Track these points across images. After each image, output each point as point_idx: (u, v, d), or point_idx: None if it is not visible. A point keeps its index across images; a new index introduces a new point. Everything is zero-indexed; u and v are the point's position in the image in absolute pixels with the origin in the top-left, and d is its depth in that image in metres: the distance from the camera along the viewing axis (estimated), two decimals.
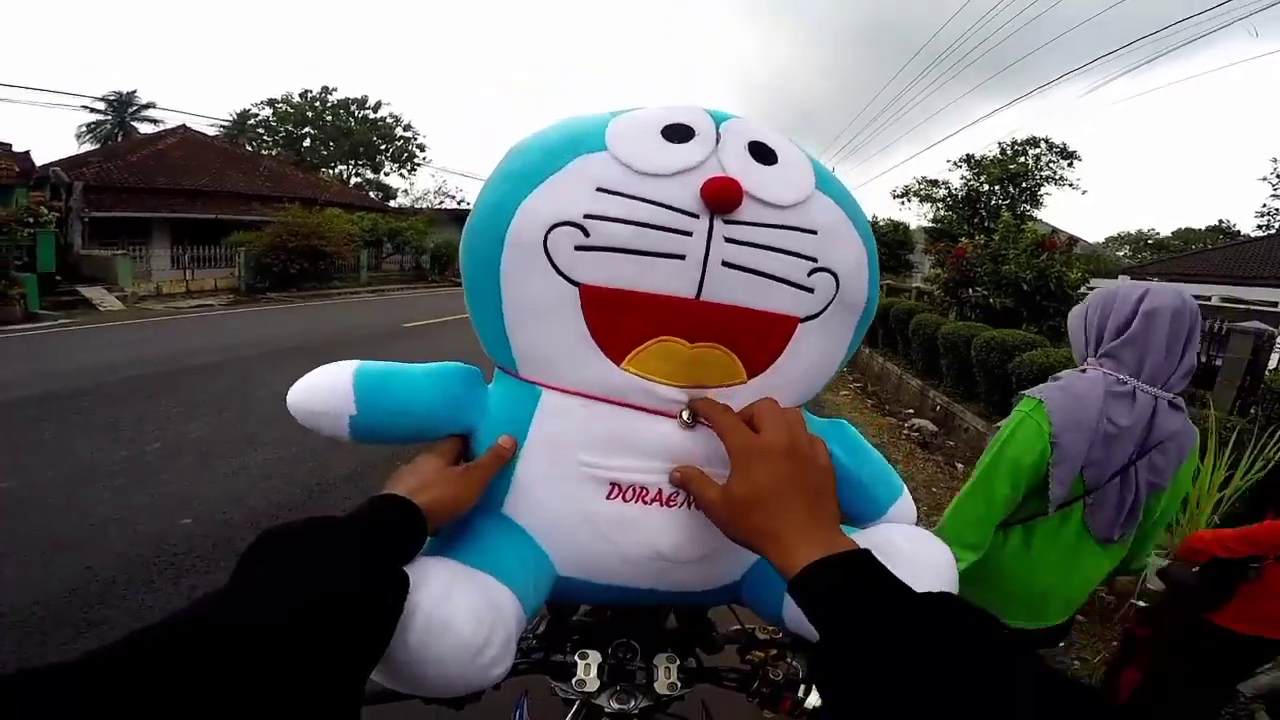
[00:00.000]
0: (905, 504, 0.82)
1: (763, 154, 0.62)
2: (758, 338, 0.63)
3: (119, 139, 27.68)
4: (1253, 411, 4.18)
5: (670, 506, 0.65)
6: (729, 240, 0.58)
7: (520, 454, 0.67)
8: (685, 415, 0.63)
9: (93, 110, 29.09)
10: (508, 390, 0.69)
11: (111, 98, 29.70)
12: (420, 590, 0.52)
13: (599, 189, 0.58)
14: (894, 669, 0.39)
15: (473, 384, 0.72)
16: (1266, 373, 4.67)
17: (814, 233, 0.62)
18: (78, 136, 29.97)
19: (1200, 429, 3.00)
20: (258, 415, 5.25)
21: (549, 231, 0.59)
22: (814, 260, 0.62)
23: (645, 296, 0.59)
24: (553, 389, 0.65)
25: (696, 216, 0.58)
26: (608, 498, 0.64)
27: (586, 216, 0.58)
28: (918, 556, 0.67)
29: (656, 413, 0.64)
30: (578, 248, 0.58)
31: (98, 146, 26.45)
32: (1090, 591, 1.65)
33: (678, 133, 0.61)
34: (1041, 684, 0.36)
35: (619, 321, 0.61)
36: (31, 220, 12.36)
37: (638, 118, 0.63)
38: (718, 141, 0.61)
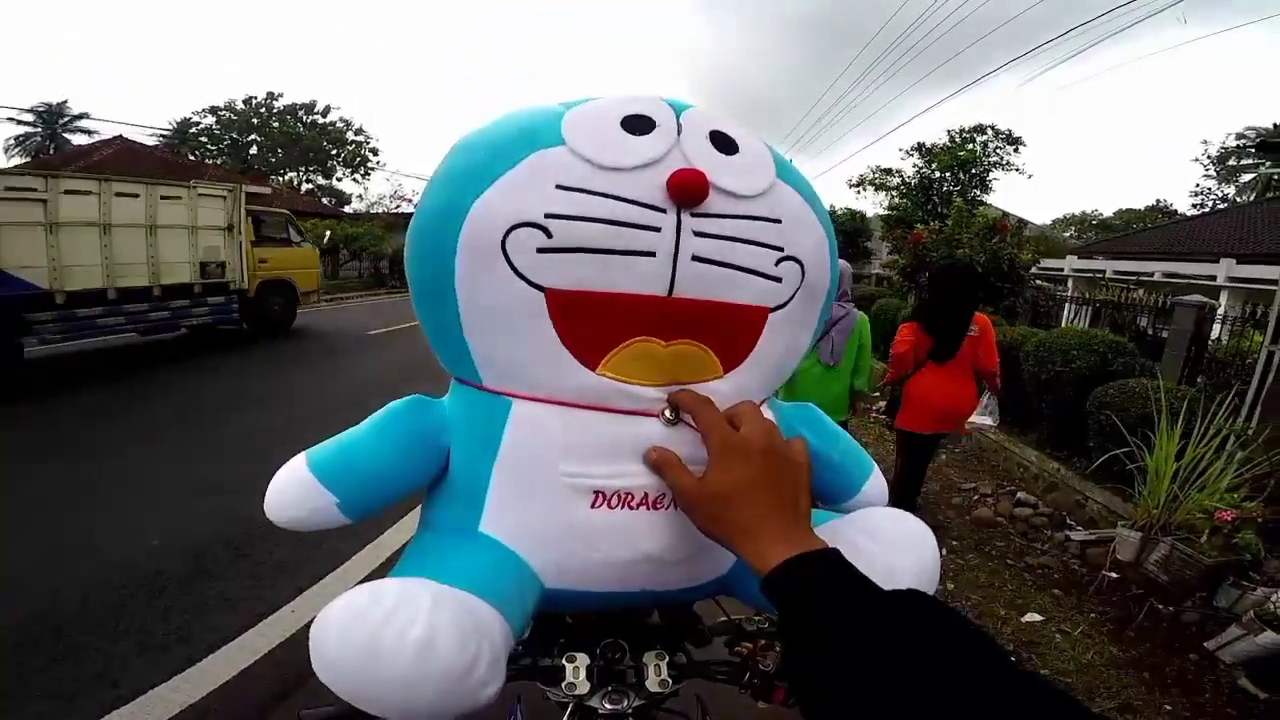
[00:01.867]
0: (877, 481, 0.83)
1: (724, 144, 0.60)
2: (732, 331, 0.62)
3: (51, 151, 26.35)
4: (1199, 380, 4.42)
5: (657, 510, 0.63)
6: (698, 234, 0.57)
7: (493, 470, 0.64)
8: (667, 412, 0.62)
9: (20, 123, 27.76)
10: (471, 403, 0.66)
11: (40, 109, 28.30)
12: (401, 613, 0.49)
13: (559, 186, 0.55)
14: (863, 666, 0.39)
15: (424, 411, 0.69)
16: (1210, 342, 4.93)
17: (779, 221, 0.61)
18: (5, 150, 28.57)
19: (1151, 400, 3.19)
20: (221, 432, 5.08)
21: (507, 234, 0.55)
22: (780, 250, 0.61)
23: (617, 297, 0.57)
24: (525, 399, 0.62)
25: (664, 211, 0.56)
26: (592, 506, 0.62)
27: (547, 216, 0.55)
28: (899, 535, 0.68)
29: (637, 414, 0.62)
30: (540, 250, 0.55)
31: (27, 160, 25.15)
32: (839, 400, 3.02)
33: (638, 124, 0.58)
34: (1010, 681, 0.37)
35: (591, 325, 0.58)
36: None
37: (595, 109, 0.60)
38: (679, 132, 0.59)
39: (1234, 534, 2.80)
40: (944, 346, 3.00)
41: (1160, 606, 2.81)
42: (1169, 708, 2.27)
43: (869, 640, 0.40)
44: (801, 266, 0.63)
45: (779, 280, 0.62)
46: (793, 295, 0.64)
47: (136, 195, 7.60)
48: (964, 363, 3.04)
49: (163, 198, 7.87)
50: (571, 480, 0.62)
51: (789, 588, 0.47)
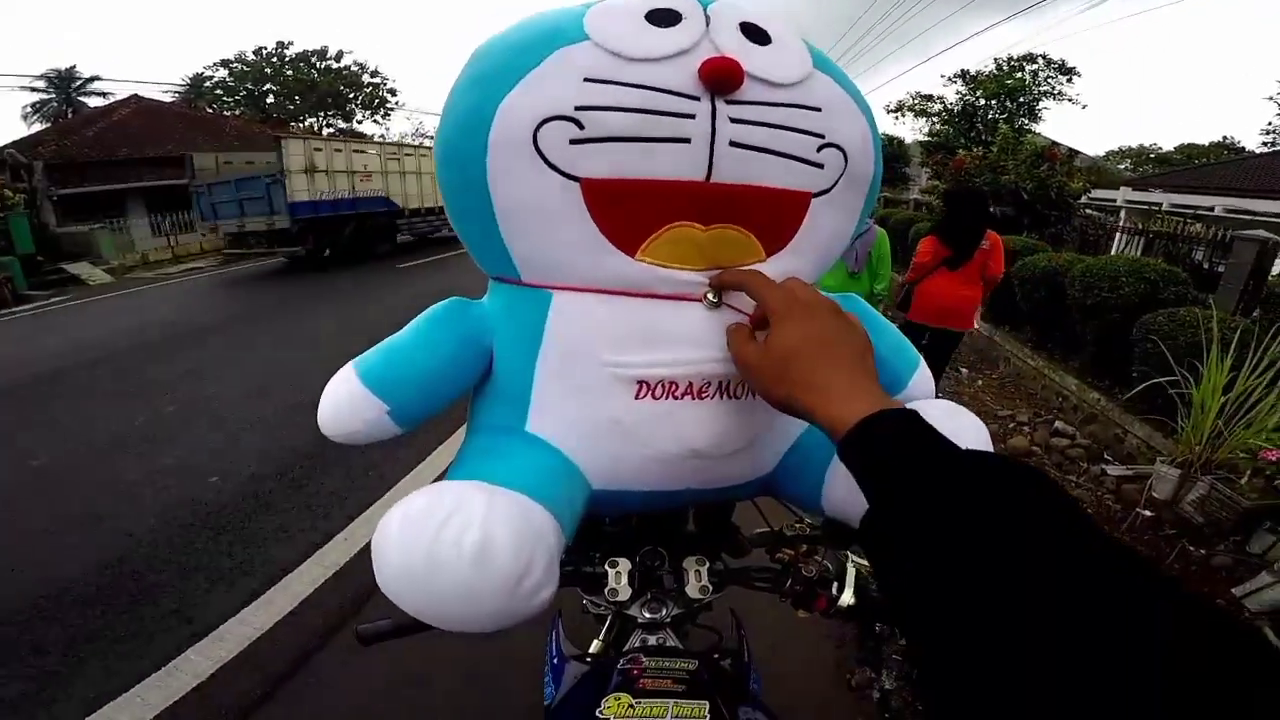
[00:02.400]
0: (924, 375, 0.82)
1: (756, 34, 0.59)
2: (773, 215, 0.61)
3: (69, 115, 26.50)
4: (1255, 314, 4.21)
5: (703, 399, 0.63)
6: (734, 120, 0.56)
7: (537, 366, 0.64)
8: (710, 295, 0.61)
9: (35, 90, 27.98)
10: (511, 299, 0.66)
11: (52, 75, 28.40)
12: (457, 519, 0.49)
13: (587, 79, 0.55)
14: (948, 525, 0.37)
15: (465, 312, 0.69)
16: (1270, 277, 4.67)
17: (818, 110, 0.60)
18: (24, 117, 28.84)
19: (1202, 330, 3.04)
20: (265, 367, 5.30)
21: (538, 129, 0.55)
22: (821, 136, 0.60)
23: (653, 183, 0.57)
24: (565, 290, 0.62)
25: (697, 99, 0.55)
26: (636, 397, 0.62)
27: (578, 108, 0.54)
28: (955, 429, 0.66)
29: (679, 299, 0.61)
30: (573, 140, 0.55)
31: (49, 125, 25.39)
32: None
33: (663, 17, 0.57)
34: (1104, 547, 0.35)
35: (628, 212, 0.58)
36: None
37: (618, 3, 0.59)
38: (707, 24, 0.58)
39: (1277, 475, 2.68)
40: (960, 255, 3.44)
41: (1192, 549, 2.73)
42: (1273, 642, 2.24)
43: (955, 499, 0.38)
44: (844, 154, 0.62)
45: (820, 166, 0.61)
46: (836, 181, 0.63)
47: (410, 153, 14.17)
48: (973, 270, 3.46)
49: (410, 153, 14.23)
50: (615, 370, 0.61)
51: (869, 446, 0.45)
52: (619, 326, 0.61)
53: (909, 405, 0.72)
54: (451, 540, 0.48)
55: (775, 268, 0.62)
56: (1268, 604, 2.29)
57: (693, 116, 0.55)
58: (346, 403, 0.66)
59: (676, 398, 0.62)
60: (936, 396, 0.86)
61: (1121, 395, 3.92)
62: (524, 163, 0.56)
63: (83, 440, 4.01)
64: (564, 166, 0.56)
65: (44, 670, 2.11)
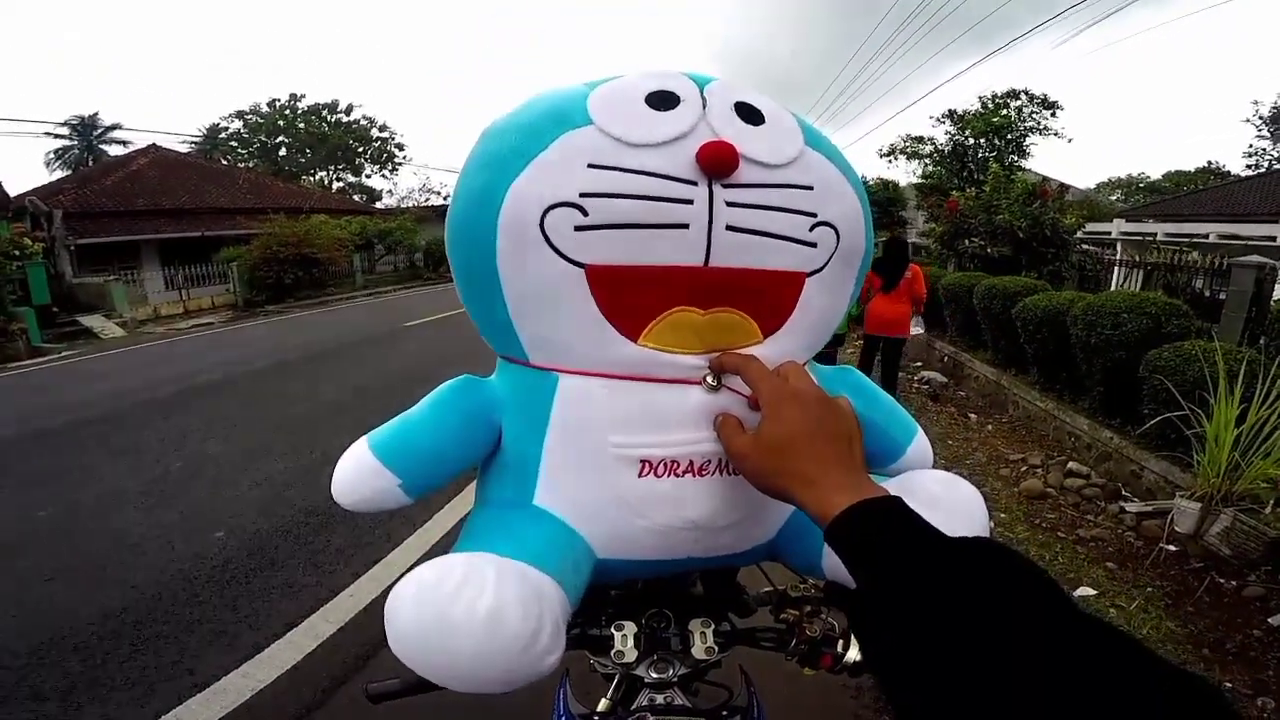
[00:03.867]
0: (922, 443, 0.83)
1: (749, 114, 0.61)
2: (769, 297, 0.63)
3: (89, 163, 27.42)
4: (1260, 342, 4.20)
5: (703, 476, 0.65)
6: (730, 204, 0.58)
7: (544, 444, 0.66)
8: (709, 378, 0.63)
9: (58, 136, 29.00)
10: (519, 380, 0.68)
11: (74, 122, 29.50)
12: (469, 586, 0.51)
13: (590, 165, 0.57)
14: (936, 615, 0.38)
15: (475, 391, 0.71)
16: (1272, 303, 4.68)
17: (810, 188, 0.62)
18: (47, 164, 30.02)
19: (1208, 363, 3.05)
20: (272, 426, 5.29)
21: (545, 214, 0.57)
22: (814, 215, 0.62)
23: (654, 270, 0.58)
24: (571, 373, 0.64)
25: (695, 184, 0.57)
26: (639, 476, 0.64)
27: (582, 195, 0.56)
28: (951, 500, 0.68)
29: (680, 382, 0.63)
30: (578, 228, 0.57)
31: (69, 173, 26.22)
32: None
33: (663, 99, 0.59)
34: (1086, 629, 0.35)
35: (630, 298, 0.60)
36: (18, 253, 12.21)
37: (619, 87, 0.61)
38: (704, 105, 0.60)
39: None
40: (889, 282, 5.02)
41: (1221, 580, 2.69)
42: (1229, 684, 2.19)
43: (935, 585, 0.40)
44: (836, 232, 0.64)
45: (814, 245, 0.63)
46: (828, 260, 0.64)
47: None
48: (903, 292, 5.01)
49: None
50: (619, 450, 0.63)
51: (857, 535, 0.47)
52: (623, 409, 0.63)
53: (909, 472, 0.75)
54: (465, 606, 0.50)
55: (771, 349, 0.64)
56: None
57: (691, 202, 0.57)
58: (359, 474, 0.69)
59: (678, 475, 0.64)
60: (921, 431, 0.87)
61: (1133, 432, 3.89)
62: (532, 247, 0.58)
63: (90, 493, 4.01)
64: (569, 253, 0.58)
65: (42, 715, 2.09)
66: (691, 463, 0.64)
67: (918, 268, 5.22)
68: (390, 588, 0.54)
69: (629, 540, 0.67)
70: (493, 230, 0.59)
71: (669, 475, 0.64)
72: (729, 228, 0.58)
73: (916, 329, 5.22)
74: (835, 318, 0.71)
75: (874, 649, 0.43)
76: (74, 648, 2.44)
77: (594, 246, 0.58)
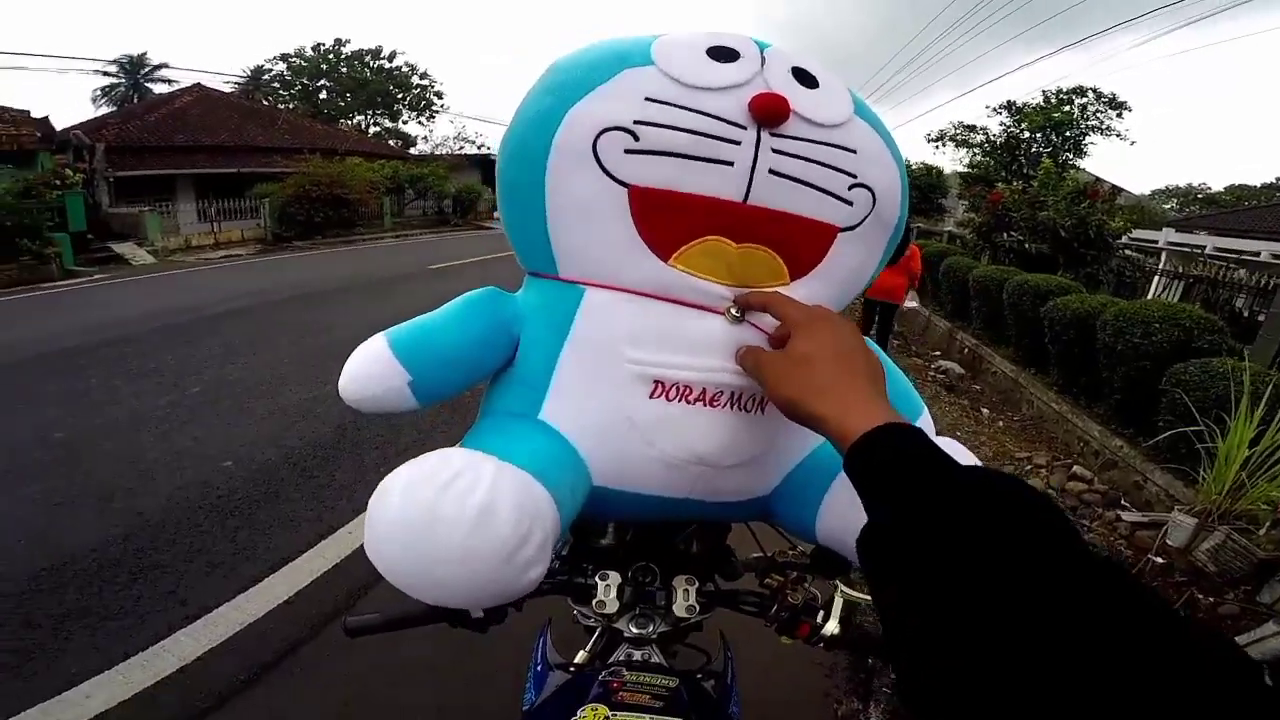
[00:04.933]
0: (926, 423, 0.83)
1: (805, 79, 0.63)
2: (801, 242, 0.65)
3: (135, 100, 27.70)
4: None
5: (714, 407, 0.65)
6: (776, 151, 0.60)
7: (560, 355, 0.66)
8: (733, 310, 0.64)
9: (106, 74, 29.32)
10: (544, 292, 0.69)
11: (123, 60, 29.77)
12: (464, 478, 0.51)
13: (648, 98, 0.59)
14: (951, 540, 0.37)
15: (499, 301, 0.71)
16: None
17: (854, 152, 0.64)
18: (93, 100, 30.34)
19: (1234, 382, 2.96)
20: (290, 357, 5.43)
21: (599, 136, 0.60)
22: (854, 176, 0.64)
23: (694, 197, 0.61)
24: (599, 286, 0.65)
25: (744, 128, 0.60)
26: (650, 396, 0.64)
27: (636, 122, 0.59)
28: None
29: (703, 308, 0.64)
30: (628, 150, 0.60)
31: (115, 109, 26.53)
32: None
33: (723, 53, 0.62)
34: (1098, 569, 0.35)
35: (667, 220, 0.62)
36: (59, 183, 12.63)
37: (684, 37, 0.64)
38: (763, 64, 0.62)
39: None
40: (893, 257, 5.24)
41: (1200, 596, 2.68)
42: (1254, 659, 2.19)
43: (959, 514, 0.39)
44: (874, 195, 0.66)
45: (850, 204, 0.65)
46: (863, 219, 0.66)
47: None
48: (901, 267, 5.40)
49: None
50: (635, 367, 0.64)
51: (878, 458, 0.45)
52: (644, 326, 0.64)
53: None
54: (455, 499, 0.49)
55: (798, 292, 0.65)
56: (1270, 653, 2.26)
57: (738, 143, 0.60)
58: (371, 367, 0.68)
59: (689, 402, 0.65)
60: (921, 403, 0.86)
61: (1144, 443, 3.80)
62: (582, 165, 0.61)
63: (108, 416, 4.14)
64: (616, 172, 0.61)
65: (31, 644, 2.12)
66: (705, 390, 0.65)
67: (916, 248, 6.09)
68: None
69: (631, 467, 0.67)
70: (547, 148, 0.61)
71: (680, 400, 0.64)
72: (771, 171, 0.61)
73: (911, 302, 5.90)
74: (862, 277, 0.72)
75: (880, 574, 0.41)
76: (73, 575, 2.49)
77: (640, 169, 0.60)
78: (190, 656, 2.08)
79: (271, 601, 2.36)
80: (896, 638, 0.38)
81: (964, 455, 0.69)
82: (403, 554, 0.50)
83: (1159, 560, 2.94)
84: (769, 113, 0.59)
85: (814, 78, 0.64)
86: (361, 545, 2.17)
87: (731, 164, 0.60)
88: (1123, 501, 3.59)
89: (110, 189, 15.89)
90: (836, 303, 0.71)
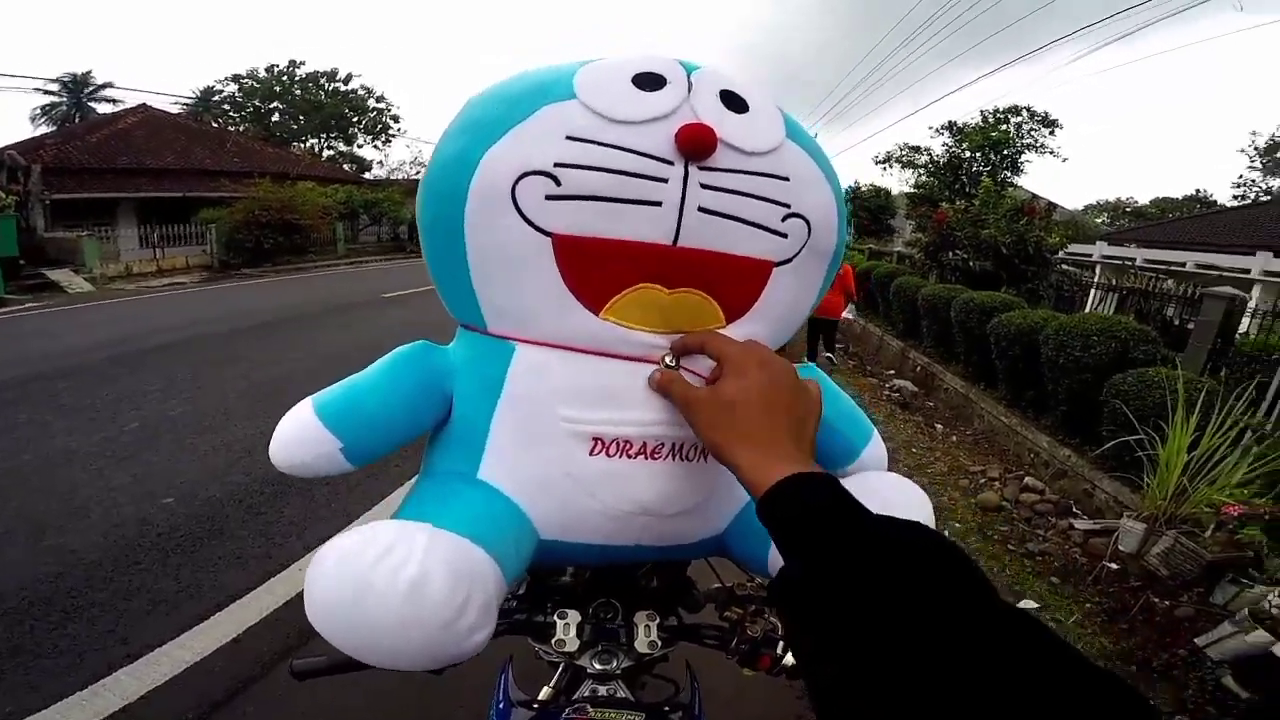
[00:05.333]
0: (876, 446, 0.83)
1: (734, 102, 0.61)
2: (735, 282, 0.63)
3: (77, 120, 26.67)
4: (1222, 374, 4.29)
5: (655, 459, 0.64)
6: (704, 186, 0.58)
7: (494, 414, 0.64)
8: (668, 359, 0.63)
9: (47, 93, 28.16)
10: (475, 348, 0.67)
11: (65, 79, 28.70)
12: (395, 553, 0.49)
13: (569, 137, 0.56)
14: (859, 593, 0.38)
15: (430, 357, 0.69)
16: (1237, 336, 4.78)
17: (786, 179, 0.62)
18: (33, 119, 28.99)
19: (1169, 390, 3.12)
20: (236, 391, 5.20)
21: (517, 181, 0.57)
22: (787, 206, 0.62)
23: (621, 244, 0.58)
24: (527, 343, 0.63)
25: (671, 163, 0.57)
26: (590, 454, 0.63)
27: (557, 165, 0.56)
28: (898, 500, 0.68)
29: (638, 360, 0.62)
30: (549, 197, 0.57)
31: (55, 128, 25.48)
32: None
33: (649, 81, 0.59)
34: (1003, 616, 0.36)
35: (595, 270, 0.59)
36: None
37: (607, 65, 0.61)
38: (690, 90, 0.59)
39: (1239, 530, 2.74)
40: None
41: (1156, 600, 2.77)
42: (1151, 702, 2.25)
43: (864, 563, 0.39)
44: (808, 224, 0.64)
45: (784, 236, 0.62)
46: (798, 251, 0.64)
47: None
48: (837, 285, 5.78)
49: None
50: (571, 426, 0.62)
51: (786, 505, 0.46)
52: (578, 383, 0.62)
53: (862, 474, 0.74)
54: (387, 573, 0.48)
55: (734, 333, 0.63)
56: (1229, 652, 2.33)
57: (665, 181, 0.57)
58: (299, 435, 0.67)
59: (630, 456, 0.63)
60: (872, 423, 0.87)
61: (1091, 452, 3.96)
62: (500, 213, 0.58)
63: (37, 452, 3.90)
64: (538, 221, 0.58)
65: None
66: (645, 444, 0.63)
67: (849, 267, 7.30)
68: None
69: (577, 520, 0.65)
70: (464, 194, 0.58)
71: (621, 455, 0.63)
72: (701, 209, 0.58)
73: (848, 314, 7.06)
74: (801, 311, 0.71)
75: (795, 626, 0.42)
76: (1, 614, 2.36)
77: (563, 216, 0.57)
78: (133, 695, 1.98)
79: (219, 639, 2.25)
80: (814, 685, 0.39)
81: (908, 490, 0.70)
82: (341, 626, 0.50)
83: (1113, 566, 3.03)
84: (695, 145, 0.56)
85: (744, 100, 0.61)
86: None
87: (659, 204, 0.57)
88: (1074, 510, 3.72)
89: (46, 212, 15.16)
90: (775, 340, 0.70)
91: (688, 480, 0.65)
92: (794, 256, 0.64)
